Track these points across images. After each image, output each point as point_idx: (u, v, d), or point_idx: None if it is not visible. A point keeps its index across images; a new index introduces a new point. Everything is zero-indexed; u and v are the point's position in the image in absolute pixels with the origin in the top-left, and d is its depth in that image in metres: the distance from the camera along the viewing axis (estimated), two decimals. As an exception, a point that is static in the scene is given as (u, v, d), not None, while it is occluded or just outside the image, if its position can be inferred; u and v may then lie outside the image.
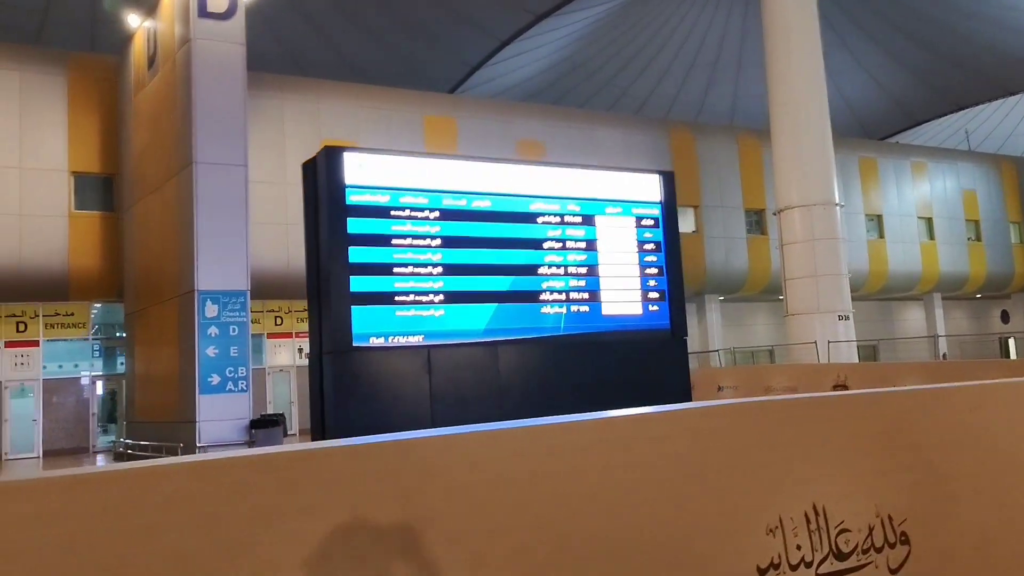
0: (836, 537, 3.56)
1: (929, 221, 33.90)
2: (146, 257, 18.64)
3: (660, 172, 10.80)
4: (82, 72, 20.33)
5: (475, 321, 9.04)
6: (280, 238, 19.66)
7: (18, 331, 20.02)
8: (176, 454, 15.01)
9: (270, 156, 20.66)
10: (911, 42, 34.66)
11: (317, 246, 8.72)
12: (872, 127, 40.45)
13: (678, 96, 37.52)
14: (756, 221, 29.90)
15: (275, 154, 20.81)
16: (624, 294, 10.02)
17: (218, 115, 16.56)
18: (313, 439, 8.67)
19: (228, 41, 16.93)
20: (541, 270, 9.53)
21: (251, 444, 15.58)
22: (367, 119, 22.64)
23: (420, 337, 8.67)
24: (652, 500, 3.14)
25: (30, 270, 18.99)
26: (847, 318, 21.66)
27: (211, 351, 16.01)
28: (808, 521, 3.50)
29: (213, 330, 16.05)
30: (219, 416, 15.85)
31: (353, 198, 8.59)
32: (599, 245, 9.94)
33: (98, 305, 21.25)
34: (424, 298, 8.74)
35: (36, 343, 20.17)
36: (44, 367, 20.20)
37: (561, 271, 9.63)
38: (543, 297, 9.50)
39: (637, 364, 9.75)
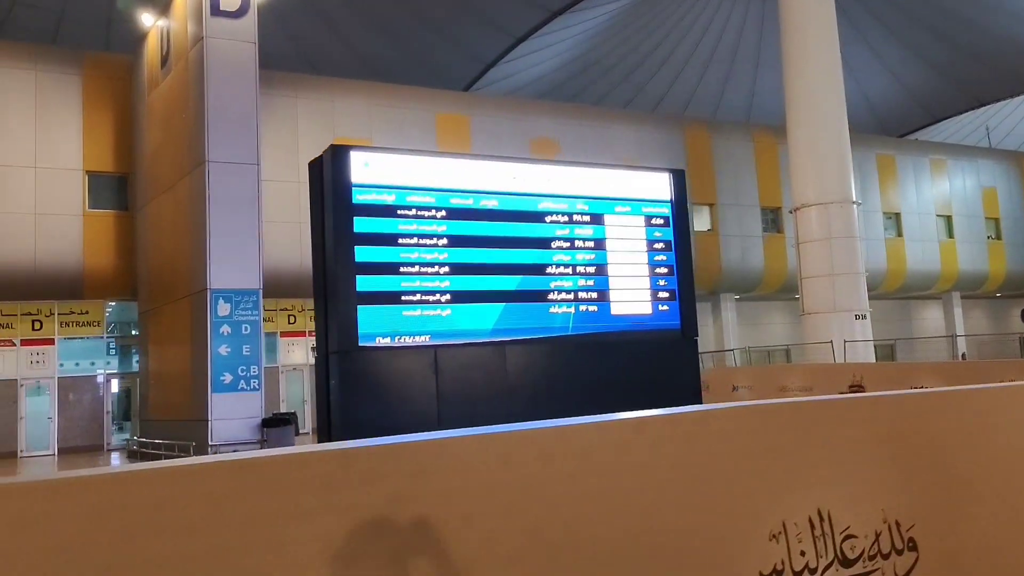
0: (841, 543, 3.46)
1: (948, 219, 33.52)
2: (159, 256, 18.72)
3: (670, 170, 10.69)
4: (97, 71, 20.44)
5: (482, 321, 8.98)
6: (293, 237, 19.64)
7: (34, 329, 20.16)
8: (188, 453, 15.06)
9: (284, 154, 20.70)
10: (931, 36, 34.26)
11: (323, 245, 8.68)
12: (891, 124, 40.04)
13: (695, 93, 37.30)
14: (772, 219, 29.63)
15: (288, 152, 20.83)
16: (633, 293, 9.93)
17: (230, 114, 16.60)
18: (319, 439, 8.64)
19: (240, 40, 16.97)
20: (549, 269, 9.46)
21: (263, 443, 15.60)
22: (380, 117, 22.63)
23: (427, 337, 8.62)
24: (650, 505, 3.05)
25: (45, 268, 19.12)
26: (864, 317, 21.44)
27: (223, 349, 16.04)
28: (812, 526, 3.40)
29: (225, 328, 16.08)
30: (231, 415, 15.87)
31: (359, 197, 8.55)
32: (608, 244, 9.86)
33: (112, 303, 21.35)
34: (431, 298, 8.69)
35: (52, 341, 20.30)
36: (60, 365, 20.33)
37: (570, 270, 9.55)
38: (551, 297, 9.43)
39: (646, 364, 9.66)
